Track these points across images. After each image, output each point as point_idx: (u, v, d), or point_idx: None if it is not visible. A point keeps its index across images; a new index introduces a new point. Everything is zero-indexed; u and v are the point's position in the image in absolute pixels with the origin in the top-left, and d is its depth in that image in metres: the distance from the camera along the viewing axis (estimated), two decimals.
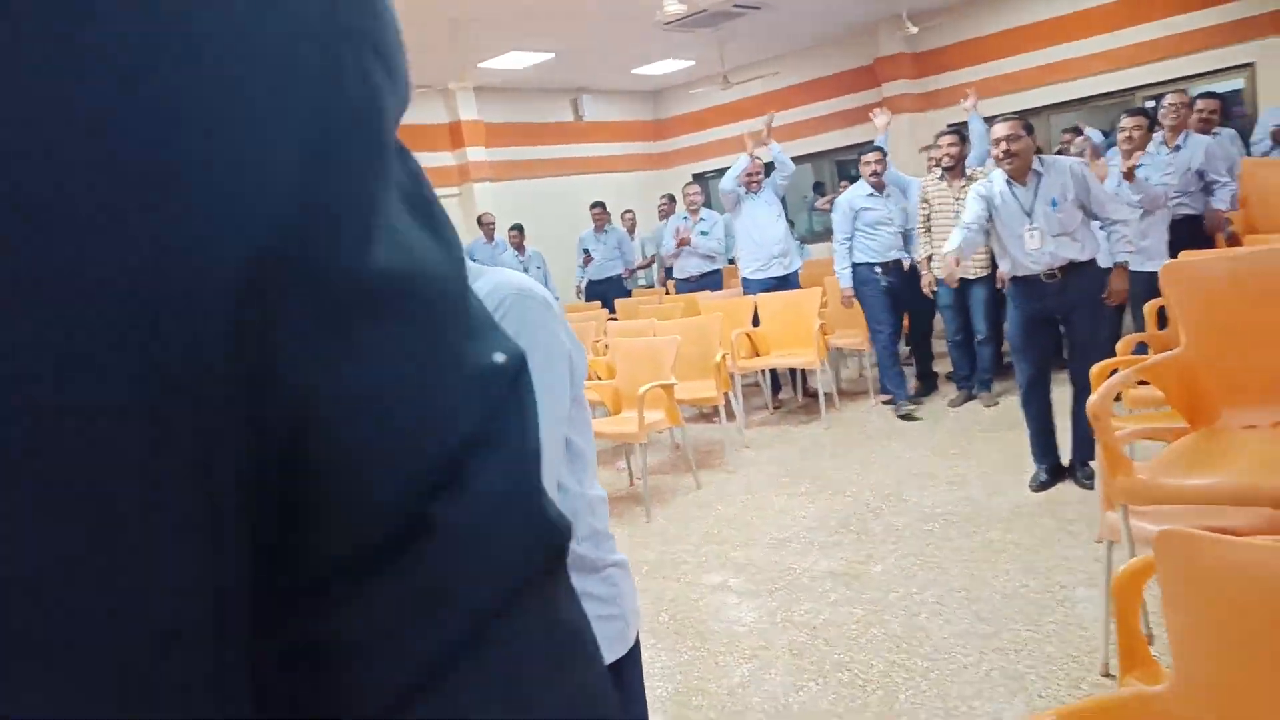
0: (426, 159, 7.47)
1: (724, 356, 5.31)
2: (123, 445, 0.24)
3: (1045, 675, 2.52)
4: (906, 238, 5.71)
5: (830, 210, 6.34)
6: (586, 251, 8.72)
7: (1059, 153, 5.92)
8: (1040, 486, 3.94)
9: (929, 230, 5.48)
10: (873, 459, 4.82)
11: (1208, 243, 5.04)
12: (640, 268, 9.25)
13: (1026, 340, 3.92)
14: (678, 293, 7.53)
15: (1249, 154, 6.56)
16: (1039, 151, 3.93)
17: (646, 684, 1.50)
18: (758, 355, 6.13)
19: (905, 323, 6.04)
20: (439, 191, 0.33)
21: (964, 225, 3.98)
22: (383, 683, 0.29)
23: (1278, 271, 2.54)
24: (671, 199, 8.53)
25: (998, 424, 5.05)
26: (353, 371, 0.28)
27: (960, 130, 5.62)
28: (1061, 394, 3.96)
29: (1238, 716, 1.29)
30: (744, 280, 6.54)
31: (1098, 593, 2.78)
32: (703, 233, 7.18)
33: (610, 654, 1.29)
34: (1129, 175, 4.56)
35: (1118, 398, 3.64)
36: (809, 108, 11.29)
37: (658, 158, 12.99)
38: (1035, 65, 9.55)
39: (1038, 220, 3.77)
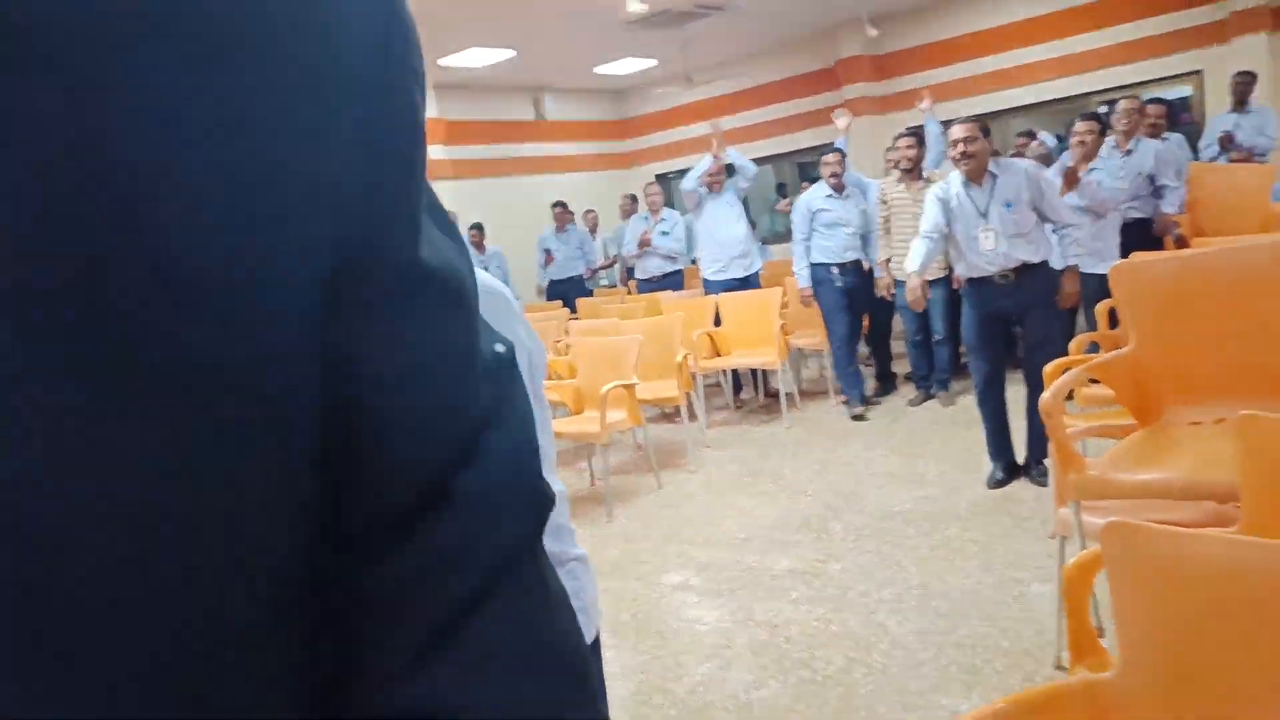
0: None
1: (686, 356, 5.33)
2: (241, 412, 0.29)
3: (1001, 669, 2.56)
4: (865, 239, 5.76)
5: (790, 212, 6.40)
6: (548, 251, 8.71)
7: (1014, 156, 6.02)
8: (996, 484, 4.01)
9: (888, 232, 5.55)
10: (833, 458, 4.87)
11: (1157, 245, 5.15)
12: (602, 268, 9.25)
13: (981, 340, 3.98)
14: (639, 293, 7.54)
15: (1197, 159, 6.72)
16: (995, 154, 4.00)
17: (607, 684, 1.51)
18: (719, 355, 6.15)
19: (865, 323, 6.10)
20: None
21: (924, 235, 4.04)
22: (411, 631, 0.34)
23: (1222, 272, 2.61)
24: (634, 199, 8.54)
25: (955, 423, 5.12)
26: (400, 353, 0.33)
27: (918, 133, 5.69)
28: (1017, 393, 4.02)
29: (1181, 701, 1.33)
30: (705, 281, 6.57)
31: (1051, 588, 2.84)
32: (664, 233, 7.20)
33: None
34: (1072, 180, 4.63)
35: (1070, 396, 3.72)
36: (771, 109, 11.36)
37: (620, 157, 12.99)
38: (992, 70, 9.70)
39: (993, 221, 3.83)
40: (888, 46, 10.30)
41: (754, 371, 6.59)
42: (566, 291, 8.49)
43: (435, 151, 10.29)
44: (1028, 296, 3.86)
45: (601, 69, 10.81)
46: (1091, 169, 4.88)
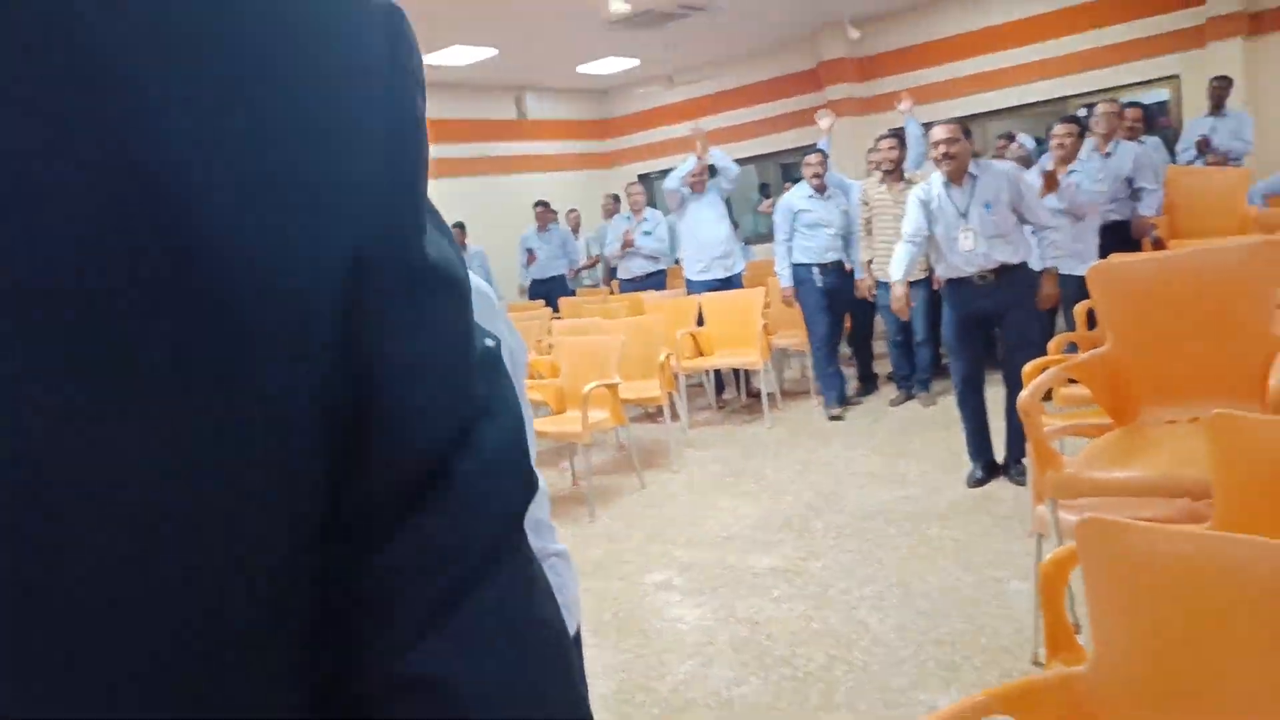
0: None
1: (668, 356, 5.34)
2: (242, 412, 0.31)
3: (979, 665, 2.59)
4: (847, 240, 5.78)
5: (773, 213, 6.42)
6: (530, 250, 8.70)
7: (994, 158, 6.06)
8: (976, 483, 4.04)
9: (869, 233, 5.59)
10: (814, 458, 4.89)
11: (1135, 247, 5.21)
12: (585, 267, 9.24)
13: (960, 341, 4.02)
14: (622, 292, 7.55)
15: (1174, 162, 6.80)
16: (976, 156, 4.04)
17: (590, 682, 1.52)
18: (702, 355, 6.17)
19: (847, 324, 6.13)
20: None
21: (907, 239, 4.08)
22: (413, 608, 0.36)
23: (1196, 274, 2.65)
24: (616, 199, 8.54)
25: (936, 423, 5.16)
26: (410, 344, 0.35)
27: (899, 135, 5.73)
28: (997, 394, 4.06)
29: (1153, 693, 1.35)
30: (687, 281, 6.59)
31: (1030, 585, 2.86)
32: (646, 233, 7.22)
33: None
34: (1052, 183, 4.67)
35: (1049, 397, 3.76)
36: (754, 109, 11.39)
37: (603, 157, 12.99)
38: (973, 73, 9.77)
39: (972, 222, 3.87)
40: (870, 48, 10.35)
41: (736, 371, 6.61)
42: (549, 291, 8.48)
43: None
44: (1007, 297, 3.89)
45: (584, 68, 10.81)
46: (1070, 171, 4.93)
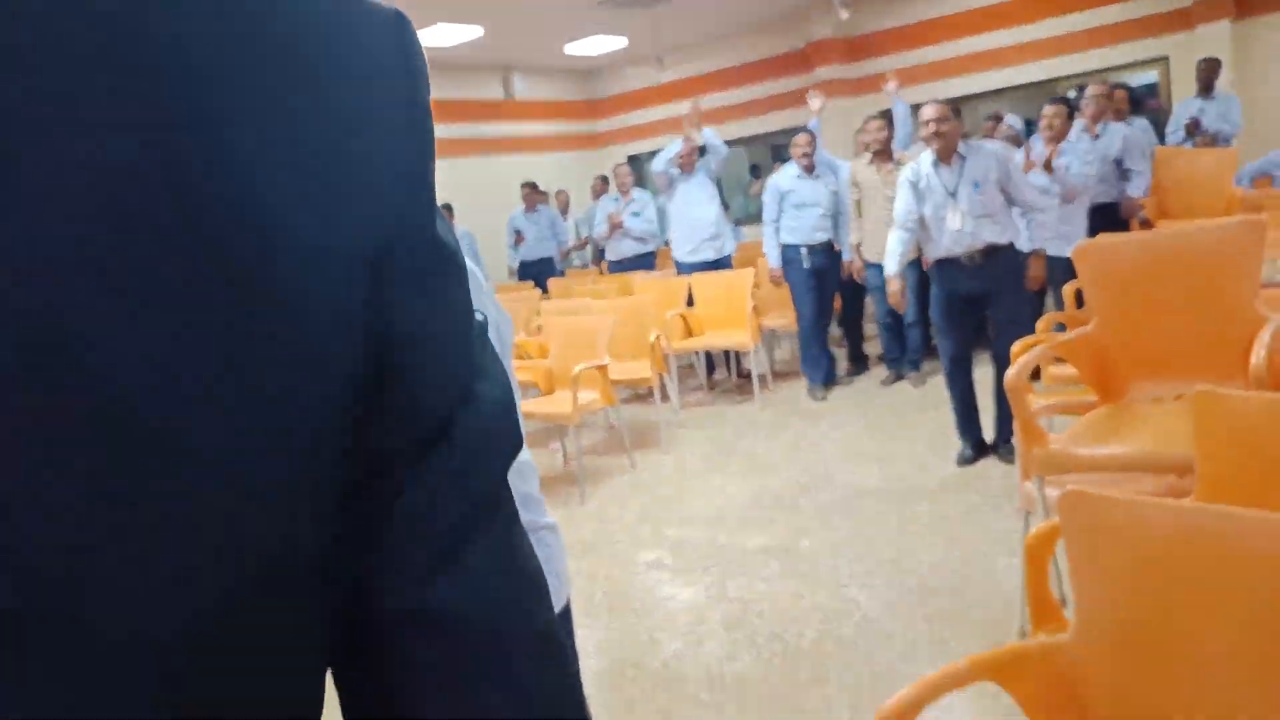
0: None
1: (658, 337, 5.36)
2: (319, 341, 0.35)
3: (967, 640, 2.63)
4: (836, 220, 5.79)
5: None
6: (518, 232, 8.67)
7: (984, 139, 6.08)
8: (965, 462, 4.08)
9: (859, 215, 5.61)
10: (805, 438, 4.92)
11: (1124, 228, 5.23)
12: (574, 249, 9.22)
13: (948, 321, 4.05)
14: (610, 274, 7.55)
15: (1163, 144, 6.82)
16: (965, 136, 4.05)
17: (582, 660, 1.54)
18: (692, 336, 6.18)
19: (837, 304, 6.15)
20: None
21: (899, 225, 4.10)
22: (423, 545, 0.40)
23: (1182, 253, 2.67)
24: (605, 180, 8.52)
25: (926, 403, 5.19)
26: (424, 315, 0.40)
27: (888, 116, 5.74)
28: (985, 374, 4.09)
29: (1133, 659, 1.38)
30: (677, 263, 6.58)
31: (1018, 561, 2.90)
32: (634, 214, 7.21)
33: None
34: (1048, 166, 4.71)
35: (1039, 377, 3.79)
36: (744, 90, 11.37)
37: (592, 138, 12.94)
38: (962, 54, 9.77)
39: (961, 201, 3.88)
40: (859, 29, 10.33)
41: (727, 352, 6.62)
42: (538, 272, 8.47)
43: None
44: (994, 278, 3.92)
45: (571, 48, 10.76)
46: (1060, 153, 4.95)
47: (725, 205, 7.40)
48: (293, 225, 0.34)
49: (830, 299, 5.94)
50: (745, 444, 4.97)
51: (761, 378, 6.07)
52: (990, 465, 4.03)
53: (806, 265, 5.69)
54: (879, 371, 6.09)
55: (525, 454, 1.34)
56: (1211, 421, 1.80)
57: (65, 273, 0.29)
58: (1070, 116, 5.12)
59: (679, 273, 6.54)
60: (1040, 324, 3.76)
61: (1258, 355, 2.28)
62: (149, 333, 0.31)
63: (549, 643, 0.45)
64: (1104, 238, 3.26)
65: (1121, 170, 5.35)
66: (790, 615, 2.93)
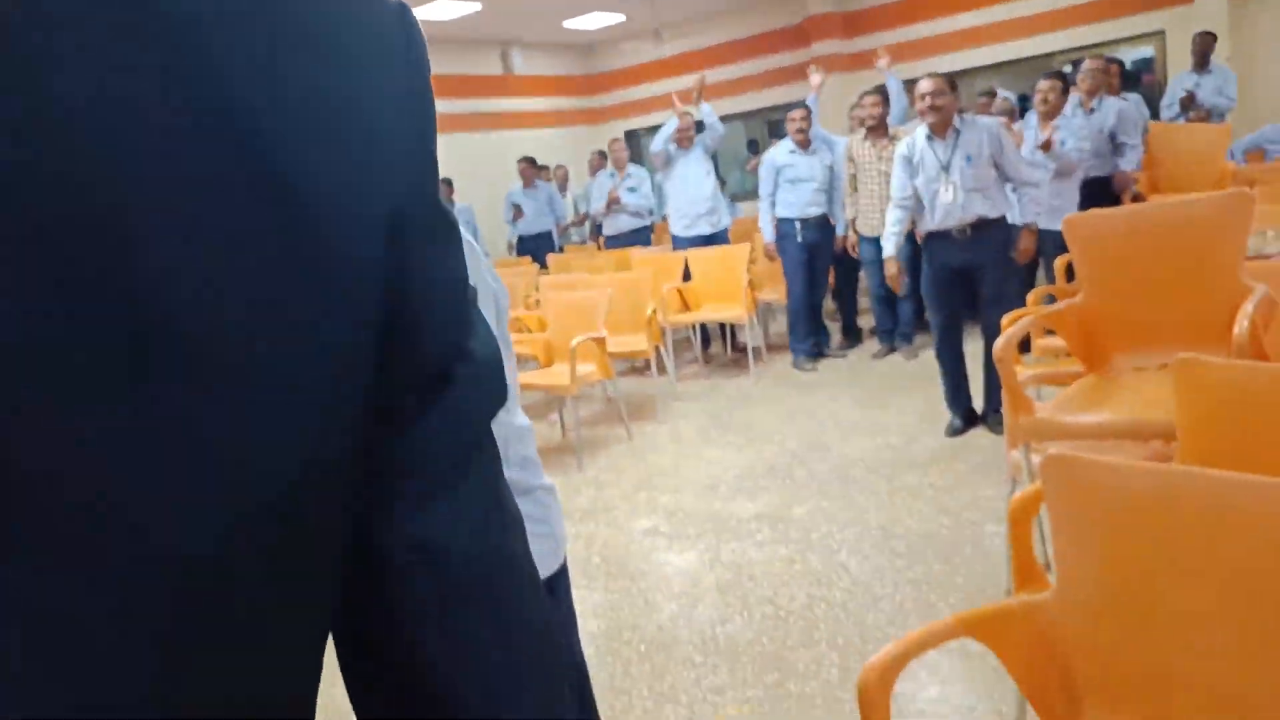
0: None
1: (655, 311, 5.40)
2: (343, 288, 0.40)
3: (954, 603, 2.69)
4: (831, 195, 5.82)
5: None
6: (517, 206, 8.68)
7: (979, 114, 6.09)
8: (955, 433, 4.14)
9: (855, 190, 5.64)
10: (798, 409, 4.98)
11: (1116, 202, 5.27)
12: (572, 224, 9.24)
13: (938, 294, 4.10)
14: (607, 248, 7.58)
15: (1158, 118, 6.84)
16: (961, 111, 4.08)
17: (579, 622, 1.60)
18: (688, 310, 6.23)
19: (831, 278, 6.20)
20: None
21: (896, 203, 4.15)
22: (420, 480, 0.46)
23: (1170, 225, 2.72)
24: (603, 155, 8.52)
25: (917, 376, 5.25)
26: (430, 275, 0.45)
27: (883, 91, 5.75)
28: (976, 347, 4.15)
29: (1112, 616, 1.44)
30: (673, 237, 6.62)
31: (1004, 528, 2.96)
32: (630, 189, 7.23)
33: (543, 570, 1.38)
34: (1046, 146, 4.74)
35: (1029, 349, 3.85)
36: (741, 65, 11.34)
37: (592, 113, 12.91)
38: (959, 29, 9.75)
39: (954, 175, 3.92)
40: (856, 4, 10.30)
41: (722, 326, 6.68)
42: (536, 247, 8.49)
43: None
44: (984, 252, 3.96)
45: (570, 23, 10.72)
46: (1055, 127, 4.98)
47: (722, 181, 7.43)
48: (325, 190, 0.39)
49: (824, 273, 5.99)
50: (740, 415, 5.04)
51: (756, 351, 6.12)
52: (979, 435, 4.10)
53: (801, 239, 5.74)
54: (872, 344, 6.14)
55: (524, 419, 1.39)
56: (1193, 389, 1.85)
57: (134, 171, 0.33)
58: (1065, 91, 5.14)
59: (675, 247, 6.57)
60: (1030, 297, 3.81)
61: (1240, 325, 2.32)
62: (202, 251, 0.35)
63: (533, 581, 0.50)
64: (1094, 211, 3.30)
65: (1115, 144, 5.38)
66: (782, 580, 3.00)
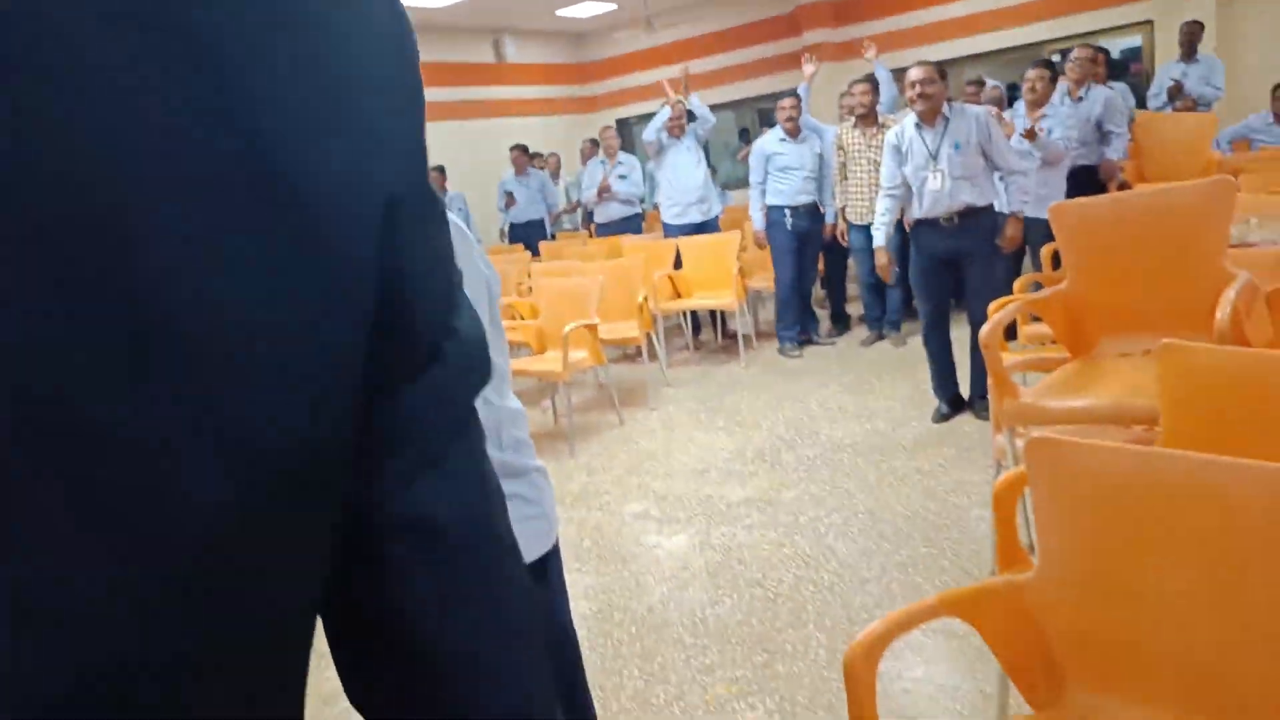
0: None
1: (646, 298, 5.43)
2: (342, 287, 0.41)
3: (939, 585, 2.74)
4: (820, 183, 5.85)
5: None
6: (509, 194, 8.68)
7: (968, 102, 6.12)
8: (942, 418, 4.19)
9: (845, 178, 5.67)
10: (787, 396, 5.02)
11: (1102, 191, 5.31)
12: (565, 212, 9.24)
13: (926, 281, 4.14)
14: (598, 236, 7.60)
15: (1145, 108, 6.88)
16: (950, 100, 4.11)
17: (570, 603, 1.63)
18: (679, 297, 6.26)
19: (820, 265, 6.23)
20: None
21: (886, 192, 4.18)
22: (409, 455, 0.47)
23: (1154, 213, 2.75)
24: (594, 143, 8.53)
25: (905, 362, 5.29)
26: (422, 257, 0.46)
27: (873, 80, 5.77)
28: (962, 334, 4.19)
29: (1092, 595, 1.48)
30: (665, 225, 6.64)
31: (989, 512, 3.01)
32: (621, 176, 7.25)
33: (536, 550, 1.41)
34: (1030, 135, 4.76)
35: (1015, 336, 3.89)
36: (732, 54, 11.34)
37: (584, 101, 12.89)
38: (948, 18, 9.77)
39: (942, 163, 3.96)
40: None
41: (713, 313, 6.71)
42: (529, 235, 8.49)
43: None
44: (971, 240, 4.00)
45: (562, 11, 10.69)
46: (1043, 116, 5.01)
47: (713, 169, 7.44)
48: (325, 189, 0.40)
49: (813, 261, 6.03)
50: (730, 401, 5.07)
51: (746, 338, 6.16)
52: (965, 421, 4.14)
53: (790, 227, 5.77)
54: (860, 331, 6.18)
55: (516, 403, 1.41)
56: (1176, 374, 1.88)
57: (135, 171, 0.33)
58: (1053, 80, 5.17)
59: (666, 235, 6.59)
60: (1017, 284, 3.85)
61: (1223, 311, 2.36)
62: (203, 251, 0.35)
63: (514, 551, 0.53)
64: (1080, 199, 3.34)
65: (1101, 133, 5.42)
66: (771, 562, 3.04)
